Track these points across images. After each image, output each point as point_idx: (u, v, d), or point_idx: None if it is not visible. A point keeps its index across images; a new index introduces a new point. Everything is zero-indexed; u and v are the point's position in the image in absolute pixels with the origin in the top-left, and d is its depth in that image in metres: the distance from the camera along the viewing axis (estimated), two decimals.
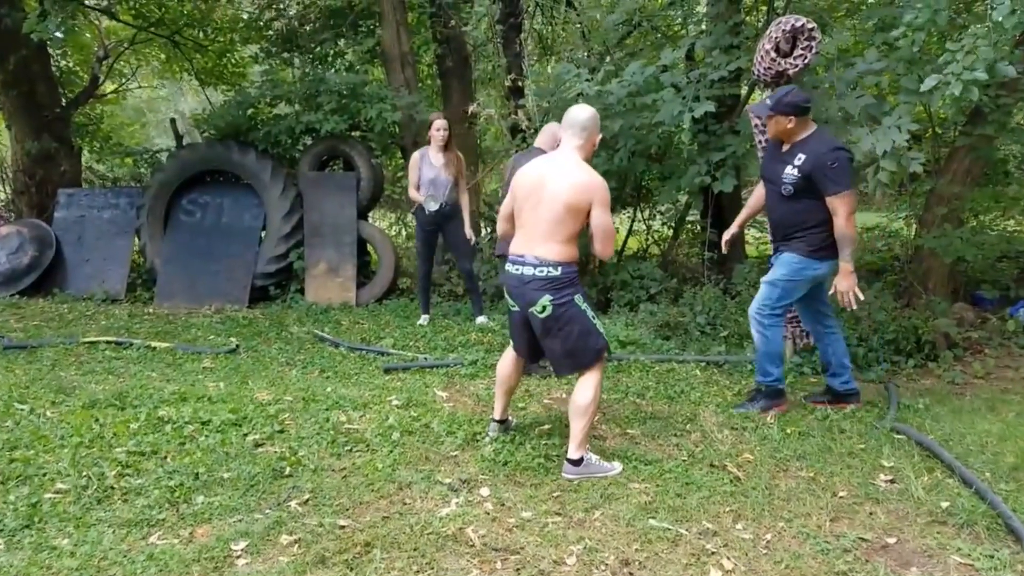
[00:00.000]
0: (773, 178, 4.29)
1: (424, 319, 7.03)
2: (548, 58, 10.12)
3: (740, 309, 6.33)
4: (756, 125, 5.05)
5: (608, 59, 7.03)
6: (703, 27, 7.28)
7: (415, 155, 6.73)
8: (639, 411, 4.49)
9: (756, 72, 4.91)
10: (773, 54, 4.55)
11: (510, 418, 4.13)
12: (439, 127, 6.60)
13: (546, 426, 4.17)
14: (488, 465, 3.66)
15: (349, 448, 3.88)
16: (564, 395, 4.75)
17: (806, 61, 4.56)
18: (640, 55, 7.15)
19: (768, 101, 4.27)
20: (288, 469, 3.59)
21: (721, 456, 3.80)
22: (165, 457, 3.71)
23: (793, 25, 4.54)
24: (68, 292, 8.36)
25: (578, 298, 3.54)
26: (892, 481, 3.53)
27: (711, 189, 6.89)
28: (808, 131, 4.21)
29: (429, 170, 6.59)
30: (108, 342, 6.13)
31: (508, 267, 3.59)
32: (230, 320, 7.24)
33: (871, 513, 3.22)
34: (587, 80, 6.01)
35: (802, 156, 4.11)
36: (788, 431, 4.13)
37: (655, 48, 7.24)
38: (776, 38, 4.58)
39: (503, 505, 3.26)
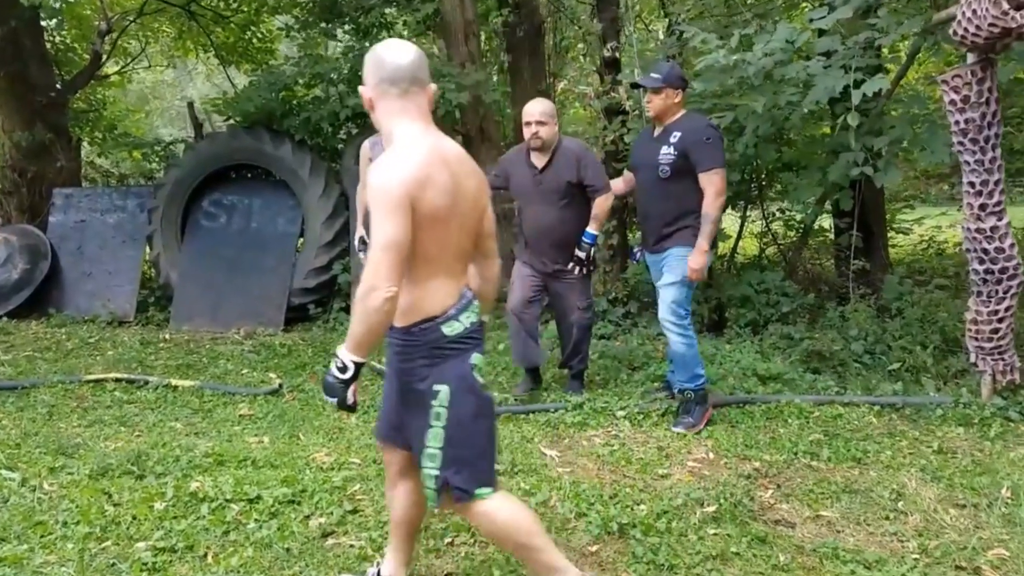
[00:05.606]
0: (648, 163, 4.62)
1: None
2: (650, 21, 9.32)
3: (906, 332, 5.72)
4: (952, 101, 4.42)
5: (748, 19, 6.27)
6: None
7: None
8: (823, 480, 3.77)
9: (959, 32, 4.19)
10: (1005, 5, 3.81)
11: None
12: None
13: (709, 506, 3.47)
14: (648, 571, 2.97)
15: (449, 540, 3.23)
16: (711, 455, 4.12)
17: None
18: (768, 16, 6.41)
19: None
20: None
21: (966, 552, 3.08)
22: (205, 555, 3.10)
23: None
24: (67, 313, 7.99)
25: None
26: None
27: (860, 184, 6.18)
28: (683, 110, 4.63)
29: None
30: (118, 380, 5.60)
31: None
32: (264, 348, 6.66)
33: None
34: (718, 47, 5.30)
35: (677, 134, 4.49)
36: None
37: (788, 8, 6.49)
38: None
39: None
